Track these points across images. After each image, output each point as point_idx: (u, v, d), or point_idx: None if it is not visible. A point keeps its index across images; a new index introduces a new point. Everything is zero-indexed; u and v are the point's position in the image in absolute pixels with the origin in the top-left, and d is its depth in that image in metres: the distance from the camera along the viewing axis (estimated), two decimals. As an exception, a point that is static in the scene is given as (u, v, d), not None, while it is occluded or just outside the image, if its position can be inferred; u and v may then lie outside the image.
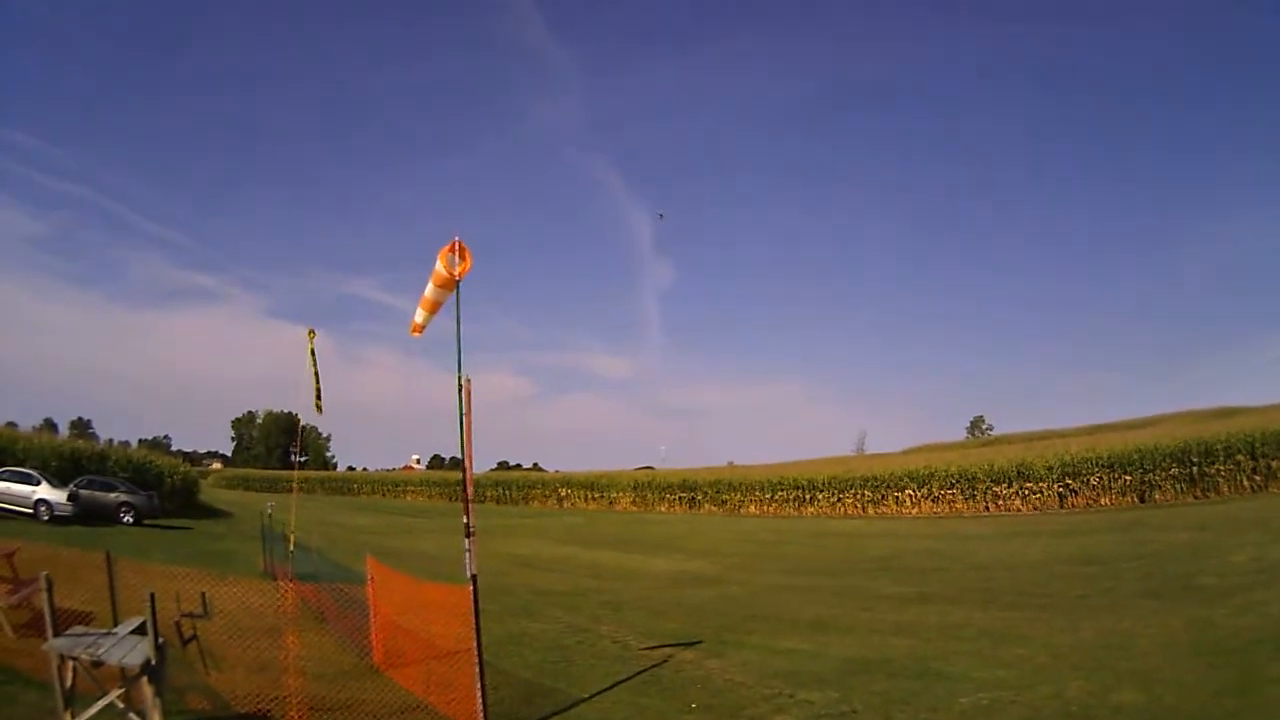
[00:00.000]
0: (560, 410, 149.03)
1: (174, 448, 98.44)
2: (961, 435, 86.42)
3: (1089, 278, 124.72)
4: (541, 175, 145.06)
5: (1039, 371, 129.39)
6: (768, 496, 41.60)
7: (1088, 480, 30.37)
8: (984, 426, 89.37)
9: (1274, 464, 26.33)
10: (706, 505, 44.57)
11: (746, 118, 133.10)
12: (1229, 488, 26.97)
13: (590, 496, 51.28)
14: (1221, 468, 27.35)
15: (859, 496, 37.36)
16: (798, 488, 39.88)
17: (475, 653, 6.39)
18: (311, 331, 11.61)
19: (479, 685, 6.35)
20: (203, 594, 7.44)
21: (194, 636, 7.53)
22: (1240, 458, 27.03)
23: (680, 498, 46.03)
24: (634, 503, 48.17)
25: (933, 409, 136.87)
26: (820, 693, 7.36)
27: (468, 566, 6.45)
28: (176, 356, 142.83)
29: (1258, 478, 26.60)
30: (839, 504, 37.92)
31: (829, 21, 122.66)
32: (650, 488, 48.06)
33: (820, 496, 38.93)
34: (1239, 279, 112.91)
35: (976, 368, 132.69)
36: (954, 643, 9.35)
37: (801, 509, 39.26)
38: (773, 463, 57.43)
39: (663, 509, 45.71)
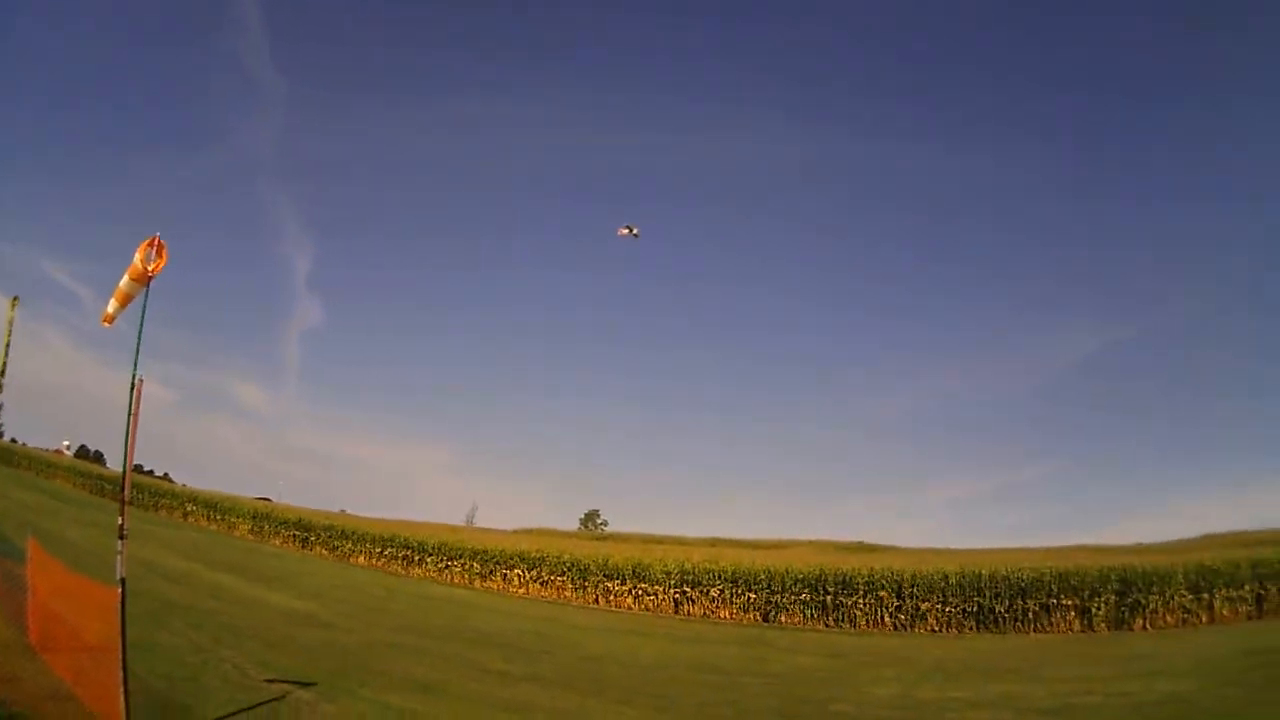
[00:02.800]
0: (197, 427, 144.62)
1: None
2: (574, 526, 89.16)
3: (726, 405, 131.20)
4: (229, 194, 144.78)
5: (658, 477, 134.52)
6: (378, 550, 41.22)
7: (707, 591, 30.59)
8: (598, 521, 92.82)
9: (923, 605, 27.16)
10: (319, 548, 44.11)
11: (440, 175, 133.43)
12: (867, 622, 27.64)
13: (213, 517, 50.26)
14: (860, 600, 27.95)
15: (467, 567, 37.11)
16: (408, 547, 40.05)
17: (120, 654, 6.80)
18: (15, 300, 12.71)
19: (123, 690, 6.76)
20: None
21: None
22: (884, 594, 27.71)
23: (295, 535, 45.60)
24: (251, 531, 47.59)
25: (545, 496, 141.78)
26: None
27: (118, 568, 6.99)
28: None
29: (902, 616, 27.36)
30: (447, 571, 37.68)
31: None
32: (268, 520, 48.06)
33: (429, 560, 38.66)
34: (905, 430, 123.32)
35: (594, 463, 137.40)
36: None
37: (409, 569, 39.10)
38: (383, 517, 59.14)
39: (277, 543, 45.60)
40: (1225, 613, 26.54)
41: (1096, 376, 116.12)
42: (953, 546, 43.67)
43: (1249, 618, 26.39)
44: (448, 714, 9.67)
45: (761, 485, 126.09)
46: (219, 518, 48.73)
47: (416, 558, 38.08)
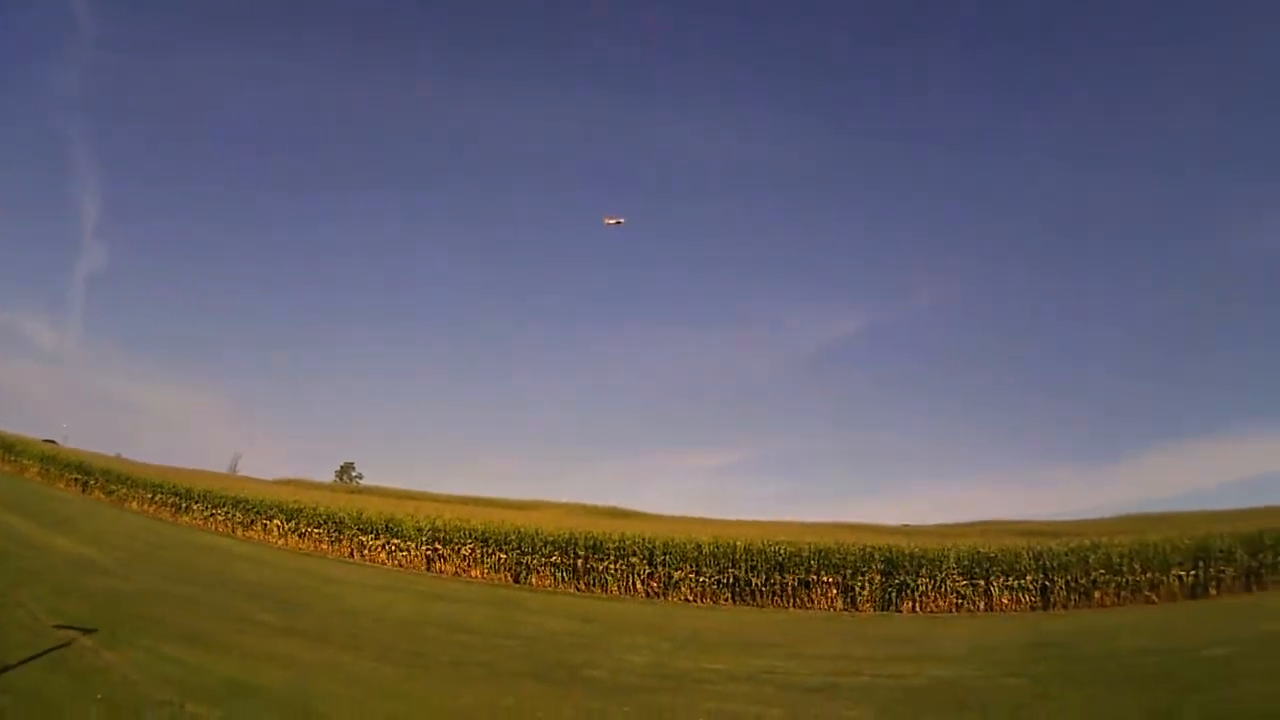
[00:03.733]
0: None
1: None
2: (330, 478, 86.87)
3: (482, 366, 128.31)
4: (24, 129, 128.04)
5: (414, 433, 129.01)
6: (149, 496, 39.53)
7: (459, 549, 29.01)
8: (353, 474, 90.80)
9: (676, 574, 25.95)
10: (97, 492, 42.68)
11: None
12: (619, 588, 26.49)
13: (6, 458, 48.44)
14: (612, 565, 26.76)
15: (230, 516, 35.18)
16: (176, 494, 38.39)
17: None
18: None
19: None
20: None
21: None
22: (635, 560, 26.47)
23: (76, 479, 44.08)
24: (39, 474, 46.14)
25: (304, 448, 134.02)
26: (207, 708, 7.83)
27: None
28: None
29: (654, 584, 26.18)
30: (212, 518, 35.96)
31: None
32: (54, 463, 46.73)
33: (196, 508, 36.83)
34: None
35: (350, 415, 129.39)
36: (330, 683, 9.79)
37: (178, 516, 37.47)
38: (156, 464, 57.43)
39: (61, 486, 44.47)
40: (1005, 601, 24.32)
41: (857, 356, 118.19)
42: (709, 516, 41.45)
43: (1032, 608, 24.33)
44: (216, 664, 9.97)
45: (516, 446, 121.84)
46: (12, 459, 47.49)
47: (184, 505, 36.50)
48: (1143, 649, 15.76)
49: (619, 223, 50.27)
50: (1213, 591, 25.38)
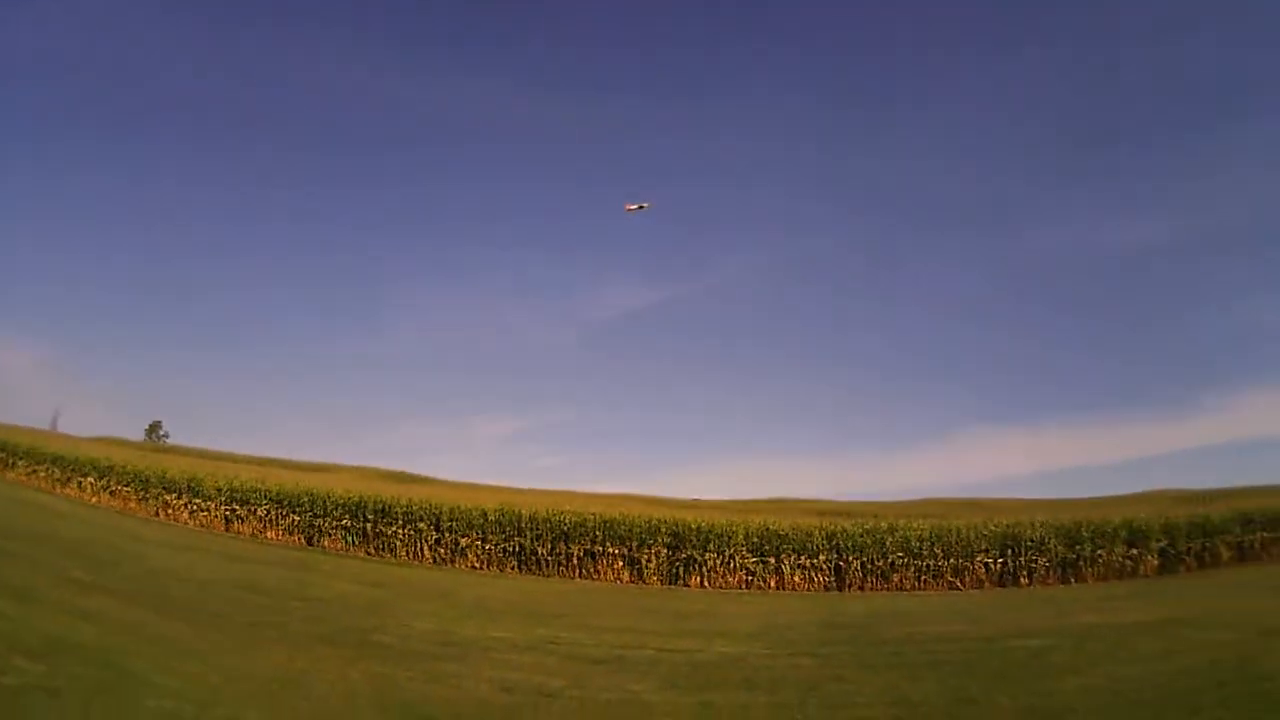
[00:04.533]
0: None
1: None
2: (140, 436, 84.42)
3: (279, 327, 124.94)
4: None
5: (220, 391, 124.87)
6: None
7: (255, 510, 28.59)
8: (160, 432, 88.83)
9: (462, 540, 25.86)
10: None
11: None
12: (408, 553, 26.12)
13: None
14: (400, 530, 26.38)
15: (50, 472, 34.26)
16: (3, 450, 36.49)
17: None
18: None
19: None
20: None
21: None
22: (423, 525, 26.20)
23: None
24: None
25: (117, 405, 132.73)
26: (29, 663, 7.52)
27: None
28: None
29: (442, 550, 25.97)
30: (35, 475, 34.70)
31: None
32: None
33: (20, 464, 35.50)
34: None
35: (158, 372, 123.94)
36: (135, 641, 9.62)
37: (5, 472, 35.71)
38: None
39: None
40: (797, 580, 23.56)
41: (652, 329, 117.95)
42: (497, 484, 40.62)
43: (826, 589, 23.61)
44: (37, 618, 9.70)
45: (312, 409, 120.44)
46: None
47: (10, 461, 35.56)
48: (946, 635, 14.94)
49: (642, 208, 45.48)
50: (1024, 581, 24.64)
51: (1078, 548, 25.01)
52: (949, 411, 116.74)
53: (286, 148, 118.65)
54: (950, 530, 24.14)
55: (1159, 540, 26.06)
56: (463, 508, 25.86)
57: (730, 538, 23.23)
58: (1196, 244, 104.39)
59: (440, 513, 25.81)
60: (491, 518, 24.21)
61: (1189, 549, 26.63)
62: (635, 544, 23.36)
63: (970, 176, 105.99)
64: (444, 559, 25.08)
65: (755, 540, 23.35)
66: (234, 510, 28.37)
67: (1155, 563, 25.98)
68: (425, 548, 25.32)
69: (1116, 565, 25.42)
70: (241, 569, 19.78)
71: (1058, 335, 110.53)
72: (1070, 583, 24.89)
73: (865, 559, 23.57)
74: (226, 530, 28.40)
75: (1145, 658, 10.96)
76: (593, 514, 23.78)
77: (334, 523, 26.81)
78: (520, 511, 24.05)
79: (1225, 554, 27.13)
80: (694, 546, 23.21)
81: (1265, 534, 28.11)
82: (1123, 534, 25.54)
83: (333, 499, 27.28)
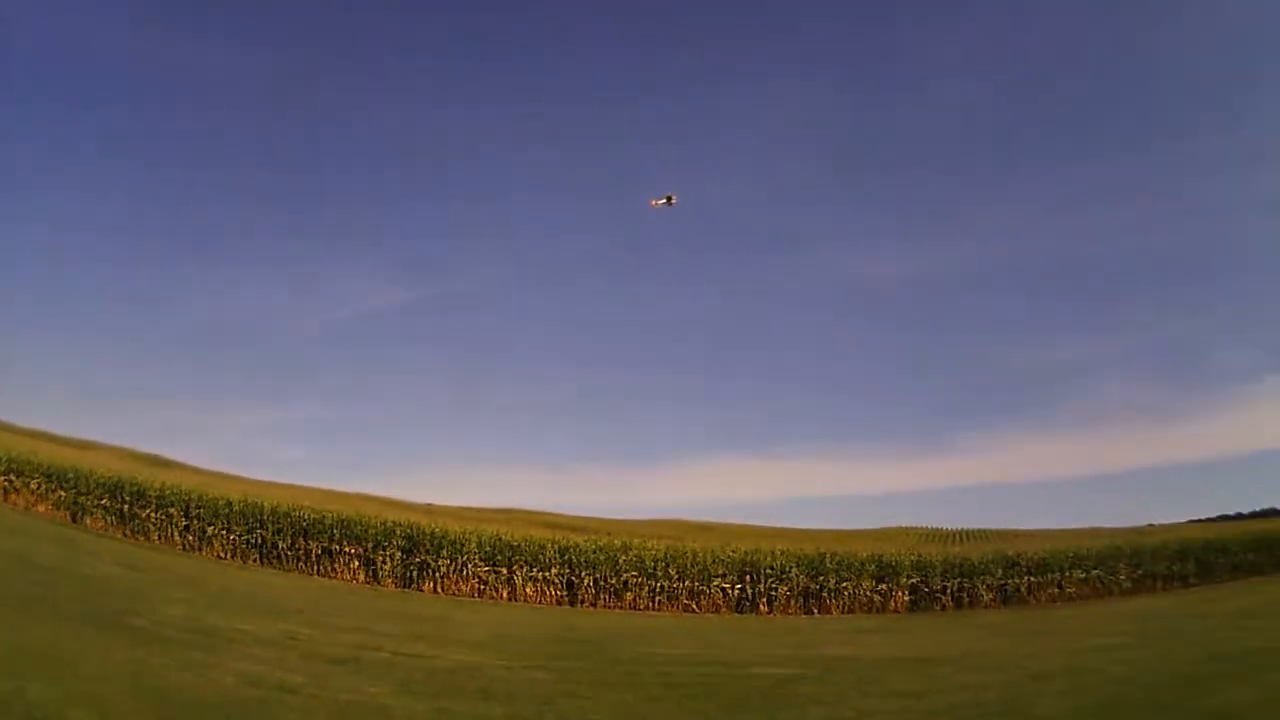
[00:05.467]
0: None
1: None
2: None
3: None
4: None
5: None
6: None
7: (29, 483, 27.92)
8: None
9: (209, 529, 25.49)
10: None
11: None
12: (160, 537, 25.84)
13: None
14: (154, 514, 26.14)
15: None
16: None
17: None
18: None
19: None
20: None
21: None
22: (174, 511, 25.92)
23: None
24: None
25: None
26: None
27: None
28: None
29: (191, 537, 25.60)
30: None
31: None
32: None
33: None
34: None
35: None
36: None
37: None
38: None
39: None
40: (530, 592, 23.97)
41: (398, 330, 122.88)
42: (243, 475, 40.81)
43: (558, 602, 24.02)
44: None
45: (73, 382, 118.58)
46: None
47: None
48: (683, 658, 15.06)
49: (669, 202, 43.99)
50: (763, 609, 25.10)
51: (821, 578, 25.49)
52: (685, 435, 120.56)
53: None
54: (686, 552, 24.68)
55: (910, 577, 26.62)
56: (209, 496, 26.05)
57: (463, 545, 23.71)
58: (954, 282, 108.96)
59: (190, 499, 25.94)
60: (236, 508, 24.51)
61: (945, 588, 27.22)
62: (371, 545, 23.79)
63: (729, 203, 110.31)
64: (192, 546, 25.20)
65: (488, 549, 23.82)
66: (11, 481, 28.18)
67: (906, 599, 26.54)
68: (176, 533, 25.46)
69: (864, 599, 25.94)
70: (16, 541, 19.60)
71: (806, 366, 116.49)
72: (814, 613, 25.39)
73: (598, 575, 24.03)
74: (5, 500, 27.97)
75: (899, 694, 10.89)
76: (331, 511, 24.14)
77: (95, 501, 26.85)
78: (263, 504, 24.39)
79: (986, 596, 27.72)
80: (428, 551, 23.67)
81: (1033, 578, 28.78)
82: (870, 568, 26.06)
83: (94, 478, 27.14)
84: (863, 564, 25.91)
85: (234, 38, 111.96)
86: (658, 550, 24.55)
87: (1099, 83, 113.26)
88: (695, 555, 24.57)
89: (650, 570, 24.19)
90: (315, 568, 24.14)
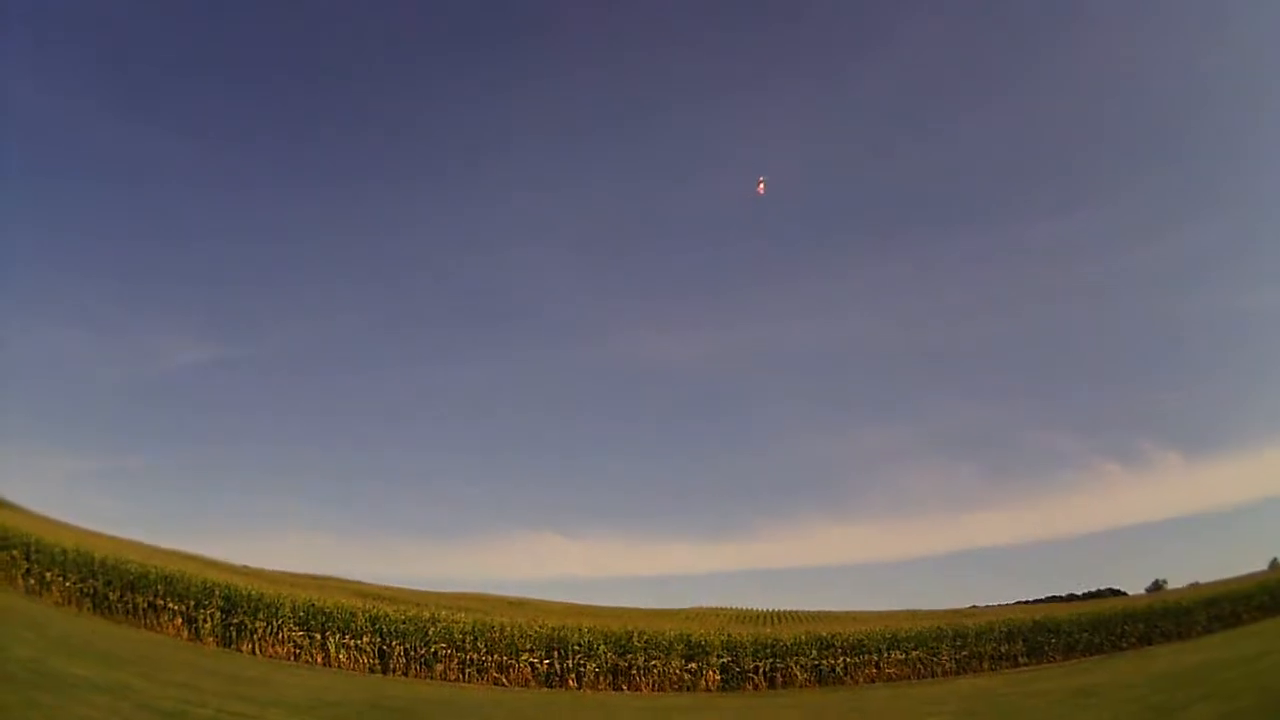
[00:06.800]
0: None
1: None
2: None
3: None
4: None
5: None
6: None
7: None
8: None
9: (48, 575, 25.74)
10: None
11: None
12: (4, 579, 25.87)
13: None
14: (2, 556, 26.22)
15: None
16: None
17: None
18: None
19: None
20: None
21: None
22: (16, 553, 26.26)
23: None
24: None
25: None
26: None
27: None
28: None
29: (32, 580, 25.93)
30: None
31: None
32: None
33: None
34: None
35: None
36: None
37: None
38: None
39: None
40: (343, 658, 25.24)
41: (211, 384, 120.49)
42: (79, 525, 41.23)
43: (370, 670, 25.33)
44: None
45: None
46: None
47: None
48: None
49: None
50: (571, 684, 26.40)
51: (629, 656, 26.80)
52: (495, 510, 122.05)
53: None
54: (494, 626, 25.93)
55: (720, 656, 27.90)
56: (46, 542, 26.52)
57: (278, 609, 24.93)
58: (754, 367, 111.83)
59: (30, 543, 26.44)
60: (71, 556, 25.55)
61: (757, 667, 28.51)
62: (193, 603, 25.01)
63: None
64: (33, 590, 26.05)
65: (302, 614, 25.04)
66: None
67: (717, 678, 27.86)
68: (19, 576, 26.21)
69: (674, 677, 27.24)
70: None
71: (611, 442, 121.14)
72: (623, 690, 26.65)
73: (408, 645, 25.33)
74: None
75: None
76: (154, 566, 25.30)
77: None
78: (94, 554, 25.46)
79: (801, 675, 28.99)
80: (245, 613, 24.91)
81: (848, 659, 30.03)
82: (679, 646, 27.33)
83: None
84: (671, 643, 27.12)
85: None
86: (465, 623, 25.77)
87: (905, 171, 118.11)
88: (503, 629, 25.82)
89: (459, 643, 25.51)
90: (143, 621, 25.44)
